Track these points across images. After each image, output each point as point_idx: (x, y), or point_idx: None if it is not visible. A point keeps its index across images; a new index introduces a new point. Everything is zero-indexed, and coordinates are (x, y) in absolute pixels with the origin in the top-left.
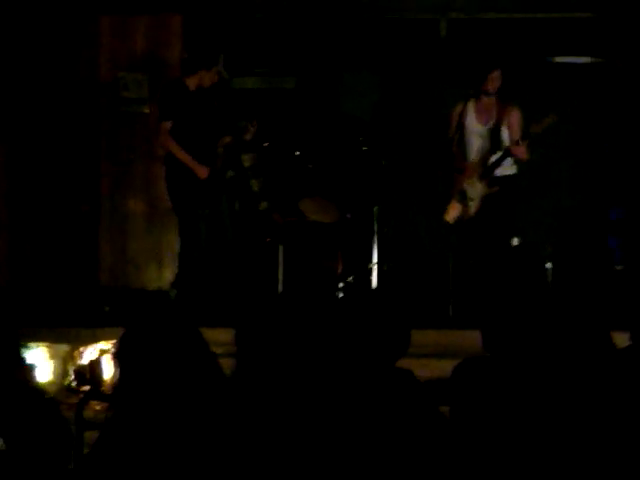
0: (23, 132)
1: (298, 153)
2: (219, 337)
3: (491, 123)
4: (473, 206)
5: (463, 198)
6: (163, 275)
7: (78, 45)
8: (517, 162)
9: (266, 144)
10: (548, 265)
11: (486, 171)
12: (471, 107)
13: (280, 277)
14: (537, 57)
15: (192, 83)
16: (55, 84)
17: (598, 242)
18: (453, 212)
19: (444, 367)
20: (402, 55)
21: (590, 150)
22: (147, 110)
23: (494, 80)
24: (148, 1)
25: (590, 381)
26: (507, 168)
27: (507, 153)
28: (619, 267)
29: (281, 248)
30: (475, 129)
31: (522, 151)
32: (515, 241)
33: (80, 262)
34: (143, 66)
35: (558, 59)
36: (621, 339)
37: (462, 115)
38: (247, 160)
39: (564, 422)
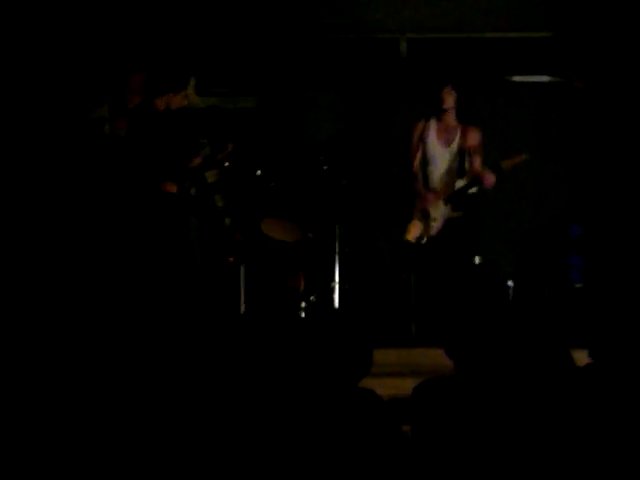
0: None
1: (259, 172)
2: None
3: (453, 145)
4: (435, 226)
5: (425, 217)
6: None
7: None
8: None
9: (227, 164)
10: (509, 283)
11: (452, 195)
12: (432, 127)
13: (242, 297)
14: (496, 76)
15: (160, 105)
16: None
17: (558, 260)
18: (414, 231)
19: (406, 386)
20: (363, 74)
21: (550, 168)
22: (107, 130)
23: (446, 97)
24: None
25: (550, 399)
26: (469, 190)
27: (477, 182)
28: (579, 285)
29: (243, 268)
30: (437, 150)
31: (492, 181)
32: (477, 259)
33: None
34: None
35: (517, 78)
36: (581, 357)
37: (423, 135)
38: (211, 176)
39: (524, 440)
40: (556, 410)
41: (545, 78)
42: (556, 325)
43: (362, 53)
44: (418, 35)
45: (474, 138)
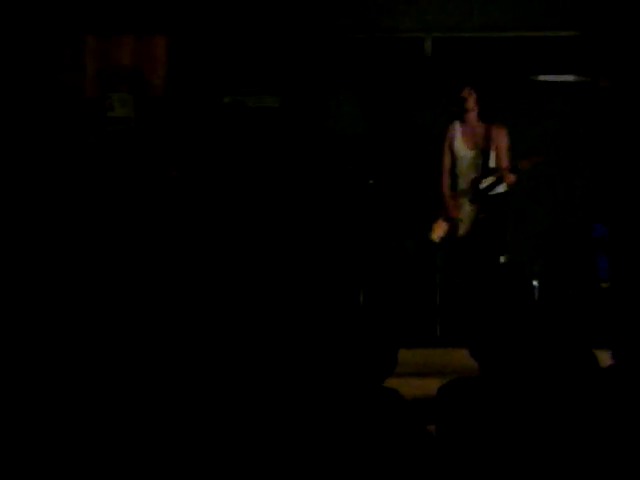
0: (7, 151)
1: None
2: None
3: (478, 146)
4: (462, 227)
5: (451, 219)
6: None
7: (64, 64)
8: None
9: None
10: (535, 283)
11: (477, 196)
12: (458, 129)
13: None
14: (521, 76)
15: None
16: (41, 104)
17: (584, 260)
18: (439, 231)
19: (430, 386)
20: (388, 74)
21: (575, 168)
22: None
23: (467, 97)
24: (133, 21)
25: (574, 399)
26: (494, 189)
27: (499, 180)
28: (605, 284)
29: None
30: (462, 152)
31: (512, 181)
32: (502, 259)
33: None
34: (129, 85)
35: (542, 77)
36: (605, 358)
37: (450, 136)
38: None
39: (549, 440)
40: (579, 411)
41: (571, 77)
42: (580, 325)
43: (387, 52)
44: (443, 34)
45: (500, 137)
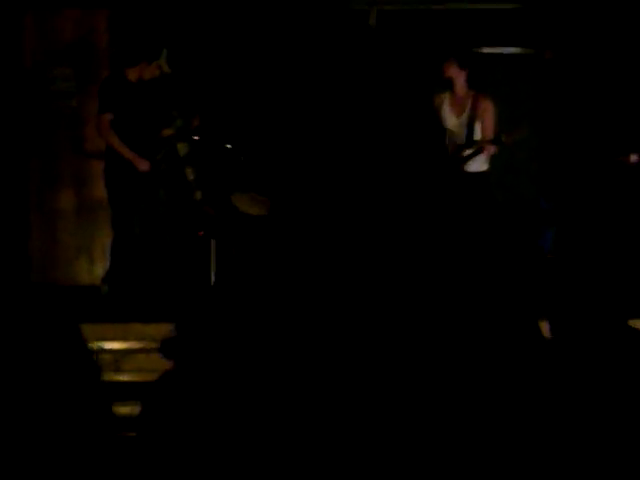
0: None
1: (229, 146)
2: (152, 332)
3: (465, 116)
4: None
5: None
6: (94, 270)
7: (4, 38)
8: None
9: (196, 137)
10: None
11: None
12: (446, 100)
13: (212, 270)
14: (465, 48)
15: (133, 75)
16: None
17: (530, 231)
18: None
19: None
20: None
21: (520, 140)
22: (75, 104)
23: (447, 67)
24: None
25: (518, 371)
26: (481, 164)
27: (480, 150)
28: (550, 256)
29: (213, 242)
30: (449, 120)
31: (493, 151)
32: None
33: (10, 259)
34: (70, 59)
35: (487, 50)
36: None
37: (438, 107)
38: (182, 149)
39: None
40: (522, 384)
41: (515, 50)
42: (526, 296)
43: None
44: (387, 7)
45: (484, 106)
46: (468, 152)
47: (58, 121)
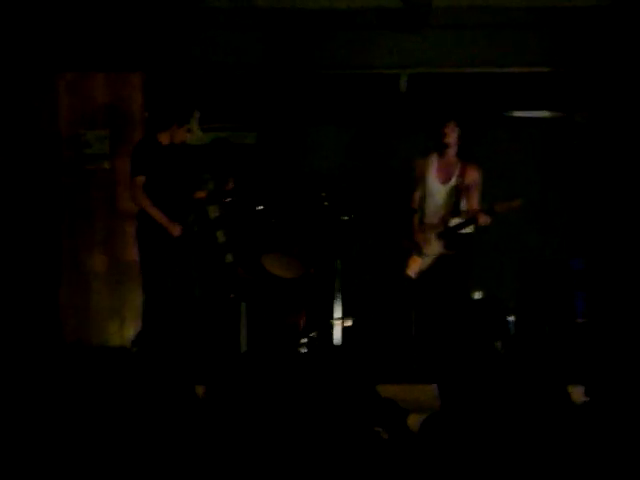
0: None
1: (260, 208)
2: None
3: (451, 182)
4: (426, 262)
5: (419, 252)
6: (125, 332)
7: (39, 102)
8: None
9: (228, 199)
10: (510, 318)
11: (446, 232)
12: (433, 163)
13: (243, 333)
14: (496, 111)
15: (164, 139)
16: (15, 141)
17: (561, 295)
18: (414, 266)
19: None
20: (364, 110)
21: (552, 202)
22: (108, 166)
23: (450, 132)
24: (108, 58)
25: (547, 435)
26: (463, 229)
27: (472, 220)
28: (581, 320)
29: (244, 304)
30: (435, 186)
31: (486, 220)
32: (477, 295)
33: (42, 320)
34: (104, 122)
35: (517, 113)
36: (580, 394)
37: (423, 171)
38: (213, 211)
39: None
40: (553, 447)
41: (546, 113)
42: (555, 361)
43: (363, 89)
44: (418, 70)
45: (473, 176)
46: (457, 221)
47: (91, 182)
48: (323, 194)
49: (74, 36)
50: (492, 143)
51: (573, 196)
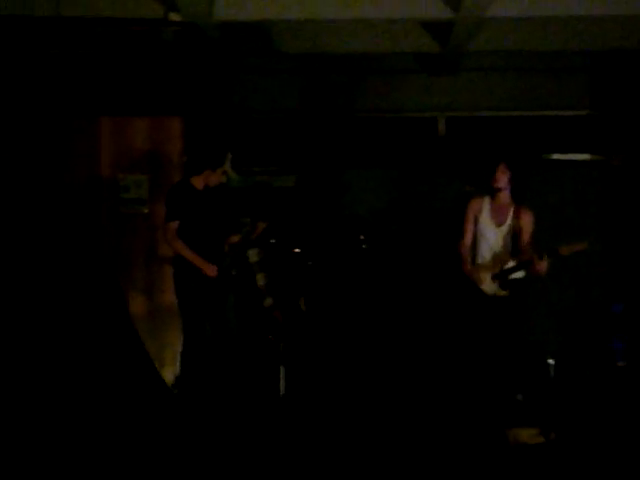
0: (22, 234)
1: (297, 250)
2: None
3: (506, 224)
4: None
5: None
6: (164, 375)
7: (79, 146)
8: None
9: (272, 241)
10: (550, 361)
11: (501, 274)
12: (486, 206)
13: (282, 375)
14: (535, 154)
15: (198, 183)
16: (57, 185)
17: (601, 339)
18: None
19: None
20: (402, 152)
21: (591, 246)
22: (146, 210)
23: (500, 175)
24: (148, 103)
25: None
26: (517, 272)
27: (526, 265)
28: (621, 364)
29: (282, 345)
30: (488, 229)
31: (544, 268)
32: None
33: None
34: (143, 167)
35: (555, 156)
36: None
37: (476, 213)
38: (253, 255)
39: None
40: None
41: (584, 156)
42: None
43: (401, 132)
44: (456, 114)
45: (527, 219)
46: (513, 264)
47: (129, 227)
48: (361, 237)
49: (116, 81)
50: (530, 186)
51: (612, 239)
